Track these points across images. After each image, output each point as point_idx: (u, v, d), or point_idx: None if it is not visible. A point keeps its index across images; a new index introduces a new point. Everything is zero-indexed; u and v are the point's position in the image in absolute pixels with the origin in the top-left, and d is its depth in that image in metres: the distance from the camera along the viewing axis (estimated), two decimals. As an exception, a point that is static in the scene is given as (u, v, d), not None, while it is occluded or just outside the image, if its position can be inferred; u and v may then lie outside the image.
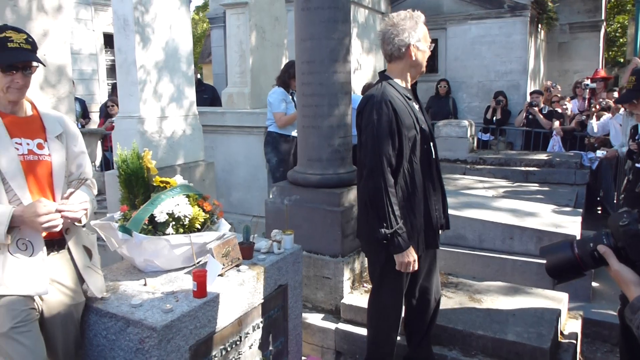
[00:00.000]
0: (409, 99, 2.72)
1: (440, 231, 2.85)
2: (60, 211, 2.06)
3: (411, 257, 2.60)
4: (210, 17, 10.20)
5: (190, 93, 4.98)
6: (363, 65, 8.51)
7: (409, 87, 2.81)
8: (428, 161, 2.73)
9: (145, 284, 2.45)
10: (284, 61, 6.57)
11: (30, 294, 2.03)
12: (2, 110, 2.13)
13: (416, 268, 2.65)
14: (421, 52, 2.71)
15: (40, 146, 2.17)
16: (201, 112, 5.39)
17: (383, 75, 2.79)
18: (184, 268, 2.62)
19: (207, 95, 8.15)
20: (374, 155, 2.58)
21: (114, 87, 9.44)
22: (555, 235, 4.01)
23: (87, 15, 10.66)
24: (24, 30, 2.16)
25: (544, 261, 1.54)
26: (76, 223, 2.22)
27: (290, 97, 5.46)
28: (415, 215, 2.67)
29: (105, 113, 8.51)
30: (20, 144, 2.11)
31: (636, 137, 4.09)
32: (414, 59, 2.70)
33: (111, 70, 11.32)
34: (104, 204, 5.28)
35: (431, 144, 2.77)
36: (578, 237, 3.98)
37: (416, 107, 2.76)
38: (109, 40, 11.05)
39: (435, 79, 9.70)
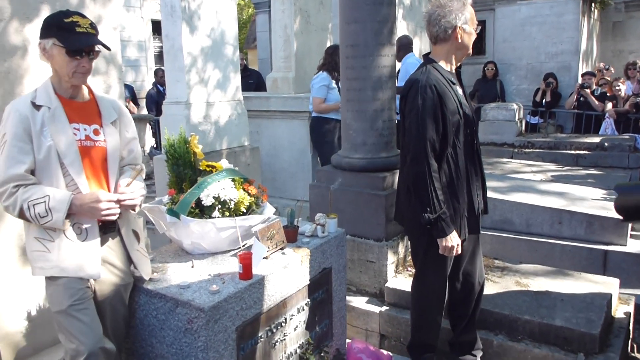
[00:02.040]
0: (453, 84, 2.69)
1: (481, 216, 2.82)
2: (120, 201, 2.14)
3: (454, 242, 2.59)
4: (255, 2, 10.25)
5: (236, 79, 5.04)
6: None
7: (454, 71, 2.77)
8: (471, 146, 2.71)
9: (193, 266, 2.52)
10: (329, 45, 6.55)
11: (84, 277, 2.13)
12: (63, 94, 2.16)
13: (459, 252, 2.64)
14: (467, 34, 2.67)
15: (96, 132, 2.22)
16: (246, 97, 5.45)
17: (427, 59, 2.76)
18: (229, 251, 2.68)
19: (252, 81, 8.24)
20: (418, 140, 2.57)
21: (155, 72, 9.60)
22: (606, 219, 3.90)
23: (136, 3, 10.88)
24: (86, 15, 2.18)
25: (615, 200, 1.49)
26: (131, 210, 2.29)
27: (334, 82, 5.45)
28: (458, 201, 2.65)
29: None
30: (78, 130, 2.16)
31: None
32: (460, 41, 2.66)
33: (159, 57, 11.55)
34: (152, 188, 5.43)
35: (474, 128, 2.75)
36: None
37: (460, 91, 2.72)
38: (157, 27, 11.26)
39: (483, 62, 9.49)
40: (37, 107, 2.08)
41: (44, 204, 2.00)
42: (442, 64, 2.71)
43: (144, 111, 9.65)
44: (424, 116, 2.55)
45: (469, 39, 2.70)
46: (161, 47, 11.35)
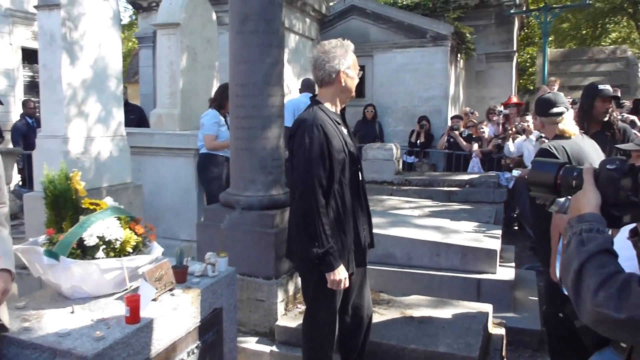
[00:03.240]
0: (338, 123, 2.82)
1: (367, 250, 2.95)
2: None
3: (342, 275, 2.67)
4: (138, 37, 10.00)
5: (119, 113, 4.86)
6: (293, 90, 8.63)
7: (339, 112, 2.92)
8: (356, 183, 2.85)
9: (73, 312, 2.35)
10: (215, 83, 6.55)
11: None
12: None
13: (347, 285, 2.72)
14: (350, 78, 2.83)
15: None
16: (129, 132, 5.26)
17: (314, 100, 2.88)
18: (114, 294, 2.54)
19: (134, 116, 7.97)
20: (306, 177, 2.65)
21: (24, 103, 8.97)
22: (478, 250, 4.24)
23: (4, 29, 10.14)
24: None
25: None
26: None
27: (224, 119, 5.45)
28: (345, 235, 2.75)
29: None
30: None
31: None
32: (343, 84, 2.81)
33: (28, 88, 10.79)
34: (20, 229, 5.01)
35: (358, 166, 2.89)
36: (498, 249, 4.21)
37: (344, 131, 2.87)
38: (27, 55, 10.54)
39: (363, 104, 9.97)
40: None
41: None
42: (327, 105, 2.84)
43: (10, 145, 8.92)
44: (311, 154, 2.65)
45: (352, 82, 2.86)
46: (31, 77, 10.68)
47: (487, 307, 3.69)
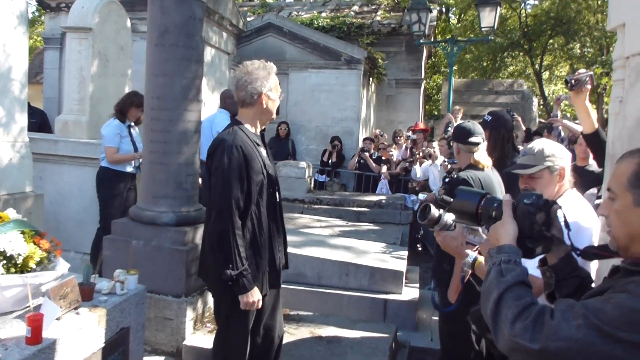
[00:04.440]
0: (258, 145, 2.85)
1: (281, 271, 2.98)
2: None
3: (256, 297, 2.68)
4: (45, 37, 9.43)
5: (22, 118, 4.57)
6: (207, 103, 8.53)
7: (258, 133, 2.95)
8: (273, 204, 2.88)
9: (-35, 331, 2.20)
10: (127, 91, 6.34)
11: None
12: None
13: (259, 307, 2.74)
14: (272, 100, 2.86)
15: None
16: (31, 138, 4.96)
17: (234, 120, 2.89)
18: (12, 312, 2.40)
19: (35, 120, 7.50)
20: (222, 198, 2.65)
21: None
22: (386, 271, 4.40)
23: None
24: None
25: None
26: None
27: (127, 129, 5.26)
28: (261, 257, 2.77)
29: None
30: None
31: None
32: (264, 106, 2.84)
33: None
34: None
35: (276, 187, 2.93)
36: (404, 270, 4.40)
37: (264, 152, 2.90)
38: None
39: (277, 122, 10.03)
40: None
41: None
42: (247, 126, 2.86)
43: None
44: (230, 175, 2.66)
45: (273, 105, 2.90)
46: None
47: (393, 328, 3.84)
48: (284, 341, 3.13)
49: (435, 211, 1.85)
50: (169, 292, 3.53)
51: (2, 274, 2.30)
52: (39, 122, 7.54)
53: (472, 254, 1.93)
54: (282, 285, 3.06)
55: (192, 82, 3.68)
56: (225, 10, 8.95)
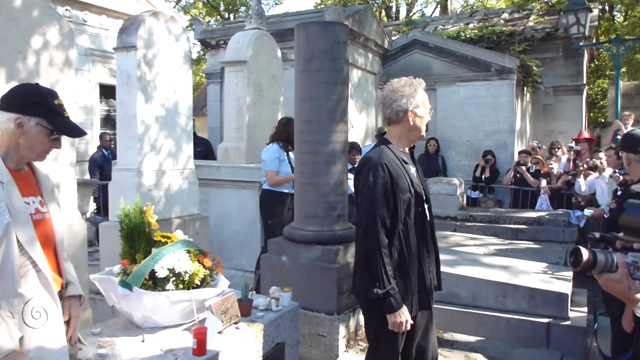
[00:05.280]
0: (406, 162, 2.79)
1: (433, 292, 2.88)
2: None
3: (403, 317, 2.61)
4: (207, 73, 10.44)
5: (188, 148, 5.06)
6: (355, 124, 8.71)
7: (407, 151, 2.90)
8: (422, 223, 2.78)
9: (143, 341, 2.44)
10: (280, 117, 6.70)
11: None
12: (11, 166, 1.99)
13: (409, 328, 2.66)
14: (419, 117, 2.79)
15: (42, 203, 2.08)
16: (197, 165, 5.46)
17: (382, 139, 2.88)
18: (181, 324, 2.61)
19: (201, 149, 8.24)
20: (368, 217, 2.64)
21: (101, 136, 9.59)
22: (547, 293, 4.05)
23: (84, 66, 10.85)
24: None
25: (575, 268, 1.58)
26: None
27: (286, 154, 5.53)
28: (409, 276, 2.69)
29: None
30: (29, 203, 2.01)
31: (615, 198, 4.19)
32: (411, 123, 2.78)
33: (104, 121, 11.43)
34: (95, 256, 5.24)
35: (426, 206, 2.83)
36: (569, 292, 4.01)
37: (412, 170, 2.83)
38: (104, 91, 11.21)
39: (425, 138, 9.89)
40: None
41: None
42: (395, 144, 2.83)
43: (87, 175, 9.42)
44: (375, 193, 2.64)
45: (421, 121, 2.81)
46: (107, 111, 11.33)
47: (558, 355, 3.51)
48: (438, 364, 3.00)
49: (586, 253, 1.58)
50: (321, 309, 3.60)
51: (172, 289, 2.53)
52: (204, 150, 8.27)
53: None
54: (435, 305, 2.95)
55: (337, 104, 3.76)
56: (370, 31, 9.11)
